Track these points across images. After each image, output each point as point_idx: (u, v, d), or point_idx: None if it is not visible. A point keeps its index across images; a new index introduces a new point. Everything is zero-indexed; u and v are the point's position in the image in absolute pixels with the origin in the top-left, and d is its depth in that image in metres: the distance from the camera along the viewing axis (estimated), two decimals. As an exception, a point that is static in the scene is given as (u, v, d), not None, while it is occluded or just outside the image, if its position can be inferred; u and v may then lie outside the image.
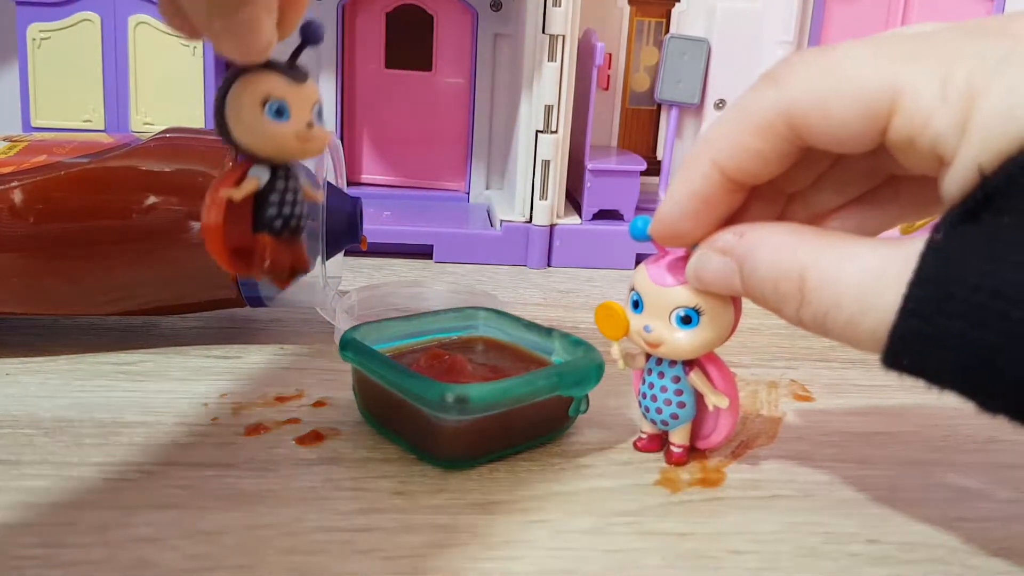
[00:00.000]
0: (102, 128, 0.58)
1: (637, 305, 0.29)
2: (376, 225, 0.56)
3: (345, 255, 0.47)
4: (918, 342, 0.21)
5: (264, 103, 0.28)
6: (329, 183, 0.41)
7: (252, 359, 0.39)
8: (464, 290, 0.46)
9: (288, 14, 0.27)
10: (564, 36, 0.54)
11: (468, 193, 0.65)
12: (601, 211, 0.58)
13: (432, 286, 0.46)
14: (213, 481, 0.28)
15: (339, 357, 0.32)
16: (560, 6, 0.53)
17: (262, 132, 0.28)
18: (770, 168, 0.25)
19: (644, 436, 0.32)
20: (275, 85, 0.28)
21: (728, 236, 0.26)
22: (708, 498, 0.29)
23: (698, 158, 0.26)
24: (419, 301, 0.45)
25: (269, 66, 0.27)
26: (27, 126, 0.58)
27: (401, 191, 0.65)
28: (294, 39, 0.28)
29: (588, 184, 0.58)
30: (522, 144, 0.57)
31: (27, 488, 0.27)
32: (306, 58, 0.28)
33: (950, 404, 0.22)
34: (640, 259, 0.31)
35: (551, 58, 0.54)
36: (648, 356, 0.31)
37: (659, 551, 0.26)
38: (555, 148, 0.56)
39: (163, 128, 0.40)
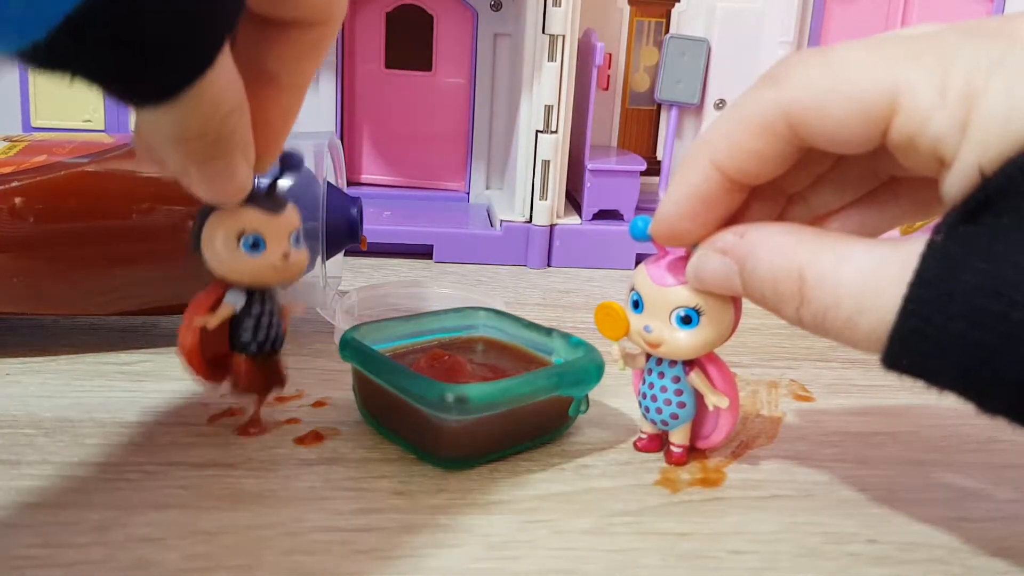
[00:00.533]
0: (102, 128, 0.58)
1: (637, 305, 0.29)
2: (376, 225, 0.56)
3: (345, 255, 0.47)
4: (918, 342, 0.21)
5: (239, 237, 0.28)
6: (329, 183, 0.41)
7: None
8: (464, 290, 0.46)
9: (264, 156, 0.27)
10: (564, 36, 0.54)
11: (468, 193, 0.65)
12: (601, 211, 0.58)
13: (432, 286, 0.46)
14: (213, 481, 0.28)
15: (339, 357, 0.32)
16: (560, 6, 0.53)
17: (238, 266, 0.28)
18: (769, 168, 0.25)
19: (644, 436, 0.32)
20: (250, 219, 0.28)
21: (728, 236, 0.26)
22: (708, 498, 0.29)
23: (697, 158, 0.26)
24: (419, 301, 0.45)
25: (246, 198, 0.27)
26: (27, 126, 0.58)
27: (401, 191, 0.65)
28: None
29: (588, 184, 0.58)
30: (522, 144, 0.57)
31: (27, 488, 0.27)
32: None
33: (950, 404, 0.22)
34: (640, 259, 0.31)
35: (551, 58, 0.54)
36: (648, 356, 0.31)
37: (659, 551, 0.26)
38: (555, 148, 0.56)
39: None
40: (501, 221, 0.57)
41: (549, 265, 0.58)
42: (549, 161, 0.56)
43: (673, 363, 0.30)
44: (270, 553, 0.25)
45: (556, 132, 0.56)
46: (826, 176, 0.28)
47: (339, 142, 0.46)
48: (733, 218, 0.27)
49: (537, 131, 0.56)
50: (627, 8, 0.63)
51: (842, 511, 0.29)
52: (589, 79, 0.57)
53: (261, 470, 0.29)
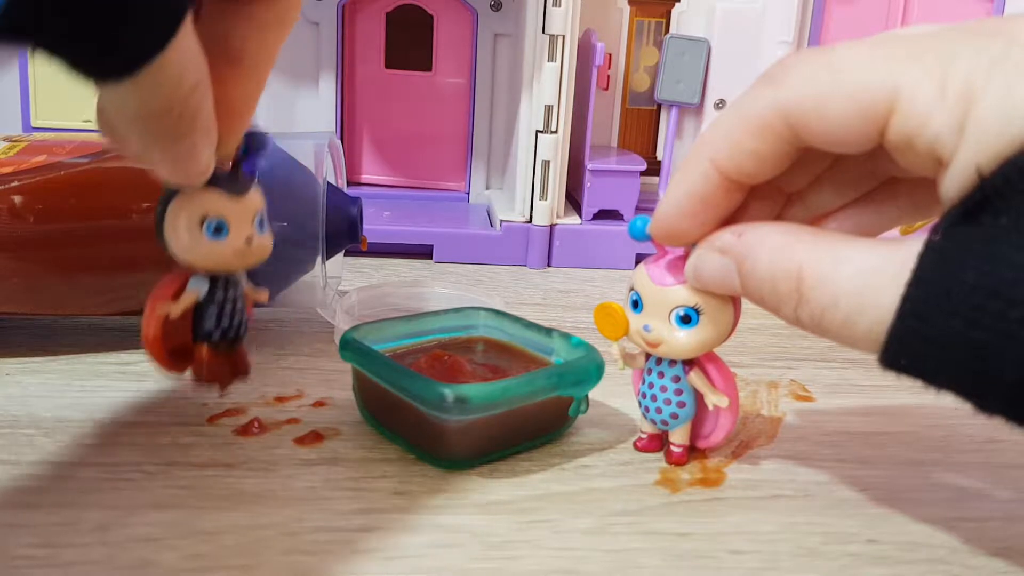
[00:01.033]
0: (102, 128, 0.58)
1: (637, 305, 0.29)
2: (376, 225, 0.56)
3: (345, 255, 0.47)
4: (916, 342, 0.21)
5: (202, 222, 0.27)
6: (329, 183, 0.41)
7: (252, 359, 0.38)
8: (464, 290, 0.46)
9: (227, 137, 0.27)
10: (564, 36, 0.54)
11: (468, 193, 0.65)
12: (601, 211, 0.58)
13: (432, 286, 0.46)
14: (213, 481, 0.28)
15: (339, 357, 0.32)
16: (560, 6, 0.53)
17: (201, 251, 0.28)
18: (768, 168, 0.25)
19: (644, 436, 0.32)
20: (213, 203, 0.28)
21: (727, 236, 0.26)
22: (708, 498, 0.29)
23: (696, 158, 0.26)
24: (419, 301, 0.45)
25: (209, 180, 0.27)
26: (27, 126, 0.58)
27: (401, 191, 0.65)
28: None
29: (588, 184, 0.58)
30: (522, 144, 0.57)
31: (27, 488, 0.27)
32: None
33: (950, 404, 0.22)
34: (640, 259, 0.31)
35: (551, 58, 0.54)
36: (648, 356, 0.31)
37: (659, 551, 0.26)
38: (555, 148, 0.56)
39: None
40: (501, 221, 0.57)
41: (549, 265, 0.58)
42: (549, 161, 0.56)
43: (673, 363, 0.30)
44: (270, 553, 0.25)
45: (556, 132, 0.56)
46: (825, 176, 0.28)
47: (339, 142, 0.46)
48: (732, 218, 0.27)
49: (537, 131, 0.56)
50: (627, 8, 0.63)
51: (842, 511, 0.29)
52: (589, 79, 0.57)
53: (261, 470, 0.29)
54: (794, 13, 0.58)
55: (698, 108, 0.61)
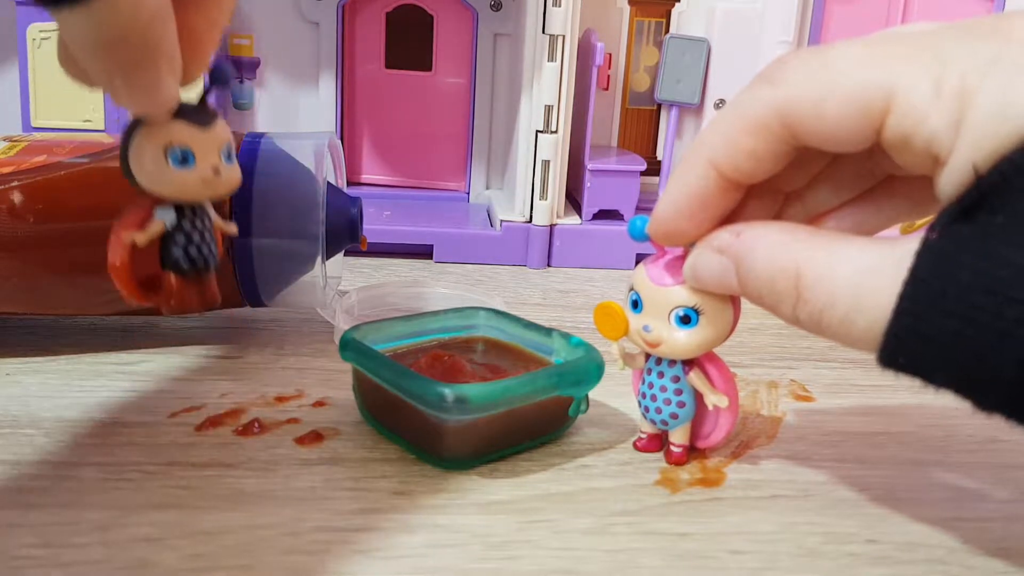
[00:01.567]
0: (102, 128, 0.58)
1: (636, 305, 0.29)
2: (376, 225, 0.56)
3: (345, 255, 0.47)
4: (913, 341, 0.21)
5: (167, 151, 0.27)
6: (329, 183, 0.41)
7: (252, 359, 0.39)
8: (464, 290, 0.46)
9: (191, 68, 0.27)
10: (564, 36, 0.54)
11: (468, 193, 0.65)
12: (601, 211, 0.58)
13: (432, 286, 0.46)
14: (213, 481, 0.28)
15: (339, 357, 0.32)
16: (560, 6, 0.53)
17: (166, 180, 0.28)
18: (766, 167, 0.25)
19: (644, 436, 0.32)
20: (178, 132, 0.28)
21: (725, 235, 0.26)
22: (708, 498, 0.29)
23: (694, 157, 0.26)
24: (419, 301, 0.45)
25: (175, 112, 0.27)
26: (27, 126, 0.58)
27: (401, 191, 0.66)
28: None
29: (588, 184, 0.58)
30: (522, 144, 0.58)
31: (27, 488, 0.27)
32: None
33: (950, 404, 0.22)
34: (640, 259, 0.31)
35: (551, 58, 0.54)
36: (648, 356, 0.31)
37: (659, 551, 0.26)
38: (555, 148, 0.56)
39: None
40: (501, 221, 0.57)
41: (549, 265, 0.58)
42: (549, 161, 0.56)
43: (672, 363, 0.30)
44: (270, 553, 0.25)
45: (556, 132, 0.56)
46: (822, 175, 0.28)
47: (339, 142, 0.46)
48: (730, 217, 0.27)
49: (537, 131, 0.56)
50: (627, 8, 0.63)
51: (842, 511, 0.29)
52: (589, 79, 0.57)
53: (261, 470, 0.29)
54: (794, 13, 0.58)
55: (698, 108, 0.61)
